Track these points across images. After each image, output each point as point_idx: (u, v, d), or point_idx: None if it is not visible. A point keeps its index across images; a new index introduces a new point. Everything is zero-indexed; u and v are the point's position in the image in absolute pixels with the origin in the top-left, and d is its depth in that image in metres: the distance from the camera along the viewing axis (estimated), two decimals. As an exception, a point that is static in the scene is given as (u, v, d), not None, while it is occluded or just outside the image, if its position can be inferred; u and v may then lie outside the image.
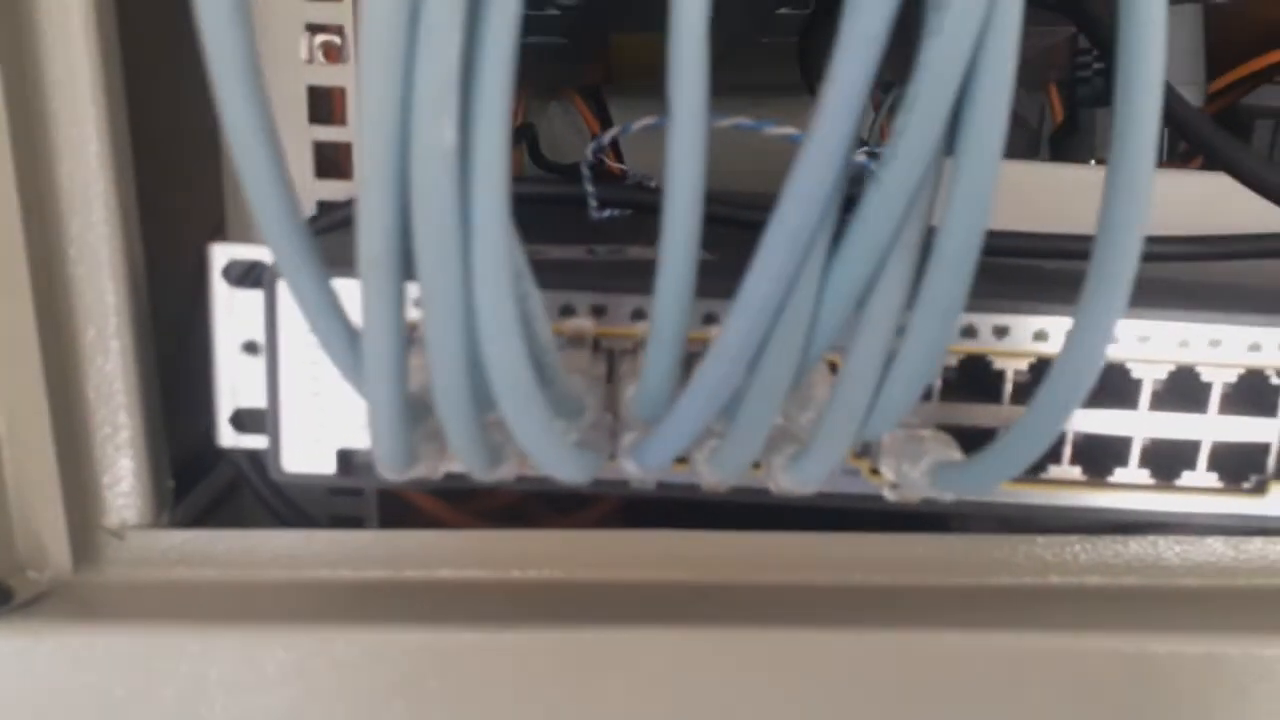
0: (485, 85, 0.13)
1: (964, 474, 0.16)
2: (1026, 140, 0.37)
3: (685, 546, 0.24)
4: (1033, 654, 0.22)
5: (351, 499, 0.30)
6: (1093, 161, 0.36)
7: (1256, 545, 0.23)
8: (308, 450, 0.21)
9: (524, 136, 0.55)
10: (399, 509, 0.31)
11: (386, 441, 0.15)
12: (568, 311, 0.20)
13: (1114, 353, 0.20)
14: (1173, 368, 0.20)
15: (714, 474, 0.17)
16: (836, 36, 0.13)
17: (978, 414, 0.20)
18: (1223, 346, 0.20)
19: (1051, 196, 0.36)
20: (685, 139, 0.14)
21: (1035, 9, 0.40)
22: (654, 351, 0.15)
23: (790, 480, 0.17)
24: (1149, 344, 0.20)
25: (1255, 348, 0.20)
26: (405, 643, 0.22)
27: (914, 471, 0.18)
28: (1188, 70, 0.35)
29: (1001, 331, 0.20)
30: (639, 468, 0.17)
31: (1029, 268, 0.26)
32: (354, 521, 0.30)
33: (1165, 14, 0.14)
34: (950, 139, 0.13)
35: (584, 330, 0.19)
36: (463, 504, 0.32)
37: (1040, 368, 0.20)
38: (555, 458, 0.15)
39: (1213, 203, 0.29)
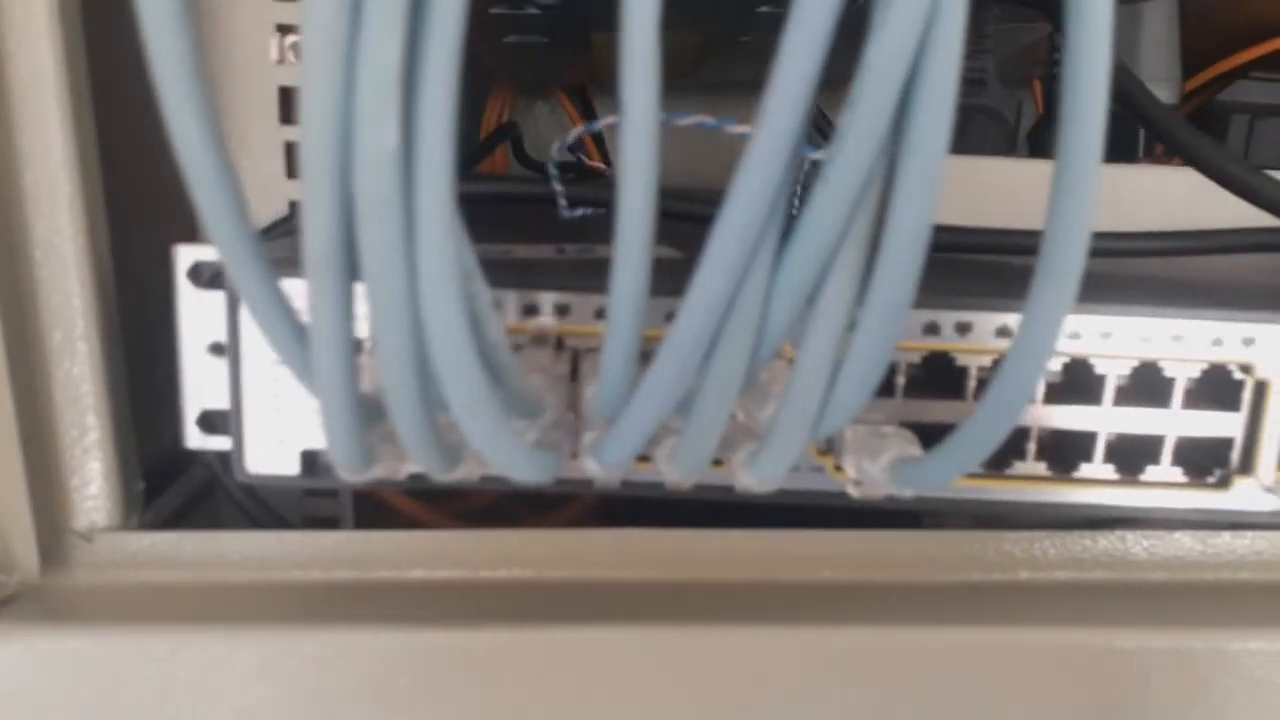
0: (429, 85, 0.13)
1: (922, 470, 0.16)
2: (1004, 137, 0.37)
3: (657, 545, 0.24)
4: (1002, 650, 0.22)
5: (326, 500, 0.30)
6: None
7: (1224, 540, 0.23)
8: (271, 451, 0.21)
9: (507, 135, 0.55)
10: (375, 510, 0.31)
11: (340, 443, 0.15)
12: (532, 310, 0.20)
13: (1078, 349, 0.20)
14: (1136, 363, 0.20)
15: (675, 472, 0.17)
16: (781, 35, 0.13)
17: (942, 410, 0.20)
18: (1185, 342, 0.20)
19: (1028, 193, 0.36)
20: (637, 137, 0.14)
21: (1013, 6, 0.40)
22: (610, 349, 0.15)
23: (750, 478, 0.17)
24: (1111, 340, 0.20)
25: (1218, 343, 0.20)
26: (375, 643, 0.22)
27: (874, 468, 0.18)
28: (1163, 67, 0.36)
29: (964, 328, 0.20)
30: (599, 466, 0.17)
31: (1001, 264, 0.26)
32: (328, 522, 0.30)
33: (1111, 10, 0.14)
34: (895, 136, 0.13)
35: (546, 329, 0.19)
36: (439, 504, 0.32)
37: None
38: (509, 458, 0.15)
39: (1192, 198, 0.30)
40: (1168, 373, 0.20)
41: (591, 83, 0.58)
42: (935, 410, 0.20)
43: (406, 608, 0.23)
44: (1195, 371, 0.20)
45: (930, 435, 0.19)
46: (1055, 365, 0.20)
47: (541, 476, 0.16)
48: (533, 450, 0.16)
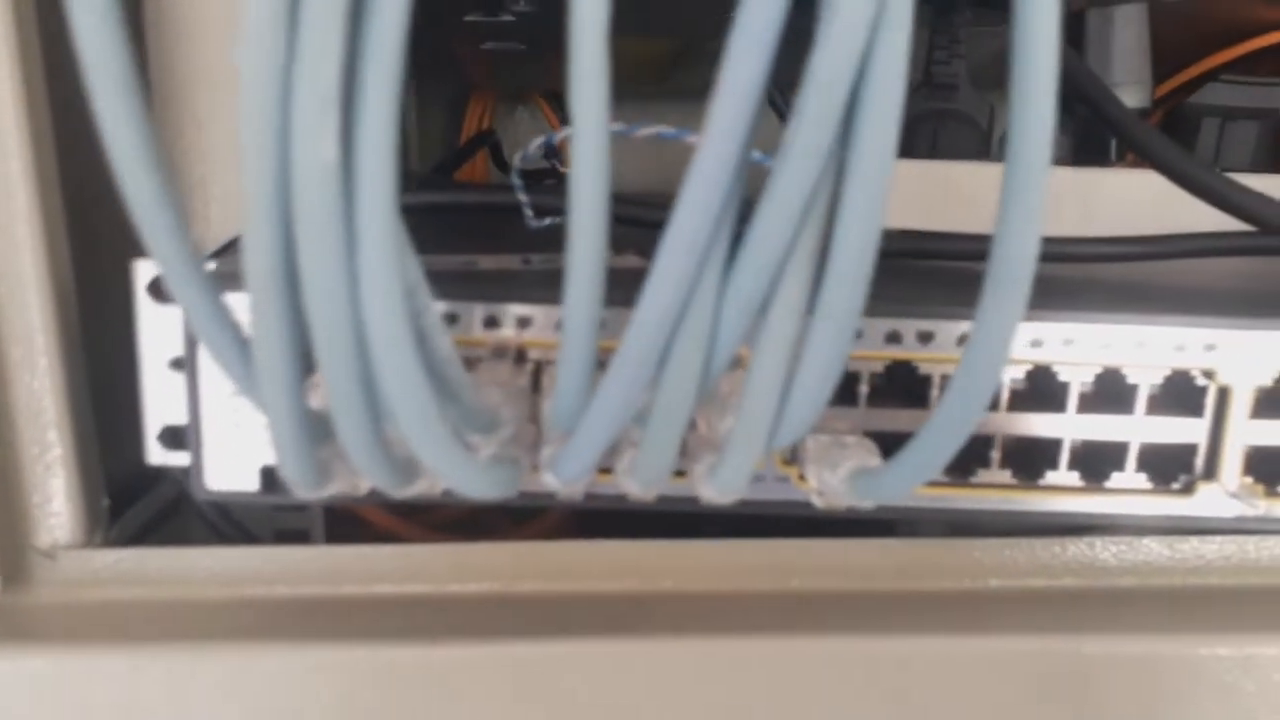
0: (369, 99, 0.13)
1: (879, 480, 0.16)
2: (977, 141, 0.37)
3: (626, 556, 0.24)
4: (972, 657, 0.22)
5: (296, 514, 0.30)
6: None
7: (1191, 545, 0.23)
8: (231, 467, 0.20)
9: (485, 142, 0.55)
10: (347, 524, 0.30)
11: (290, 459, 0.15)
12: (493, 323, 0.20)
13: (1040, 356, 0.20)
14: (1099, 370, 0.20)
15: (634, 485, 0.17)
16: (726, 44, 0.13)
17: (906, 419, 0.20)
18: (1147, 348, 0.20)
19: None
20: (587, 147, 0.14)
21: (987, 10, 0.40)
22: (565, 362, 0.15)
23: (711, 489, 0.17)
24: (1074, 347, 0.20)
25: (1180, 349, 0.20)
26: (341, 659, 0.22)
27: (833, 478, 0.18)
28: (1134, 70, 0.36)
29: (926, 337, 0.20)
30: (557, 480, 0.17)
31: (971, 270, 0.26)
32: (299, 537, 0.30)
33: (1057, 14, 0.14)
34: (841, 146, 0.13)
35: (506, 341, 0.19)
36: (414, 517, 0.32)
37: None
38: (461, 473, 0.15)
39: (1164, 202, 0.30)
40: (1131, 379, 0.20)
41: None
42: (900, 419, 0.20)
43: (374, 623, 0.23)
44: (1158, 378, 0.20)
45: (896, 444, 0.19)
46: (1019, 373, 0.20)
47: (498, 492, 0.16)
48: (488, 465, 0.16)
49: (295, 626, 0.23)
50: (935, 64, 0.37)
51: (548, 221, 0.26)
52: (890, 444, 0.19)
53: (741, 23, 0.13)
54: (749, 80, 0.13)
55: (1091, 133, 0.36)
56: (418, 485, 0.16)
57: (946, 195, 0.35)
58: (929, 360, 0.20)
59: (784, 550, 0.24)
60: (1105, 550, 0.23)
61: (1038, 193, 0.14)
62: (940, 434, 0.15)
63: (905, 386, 0.20)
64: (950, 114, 0.37)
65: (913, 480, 0.16)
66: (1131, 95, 0.35)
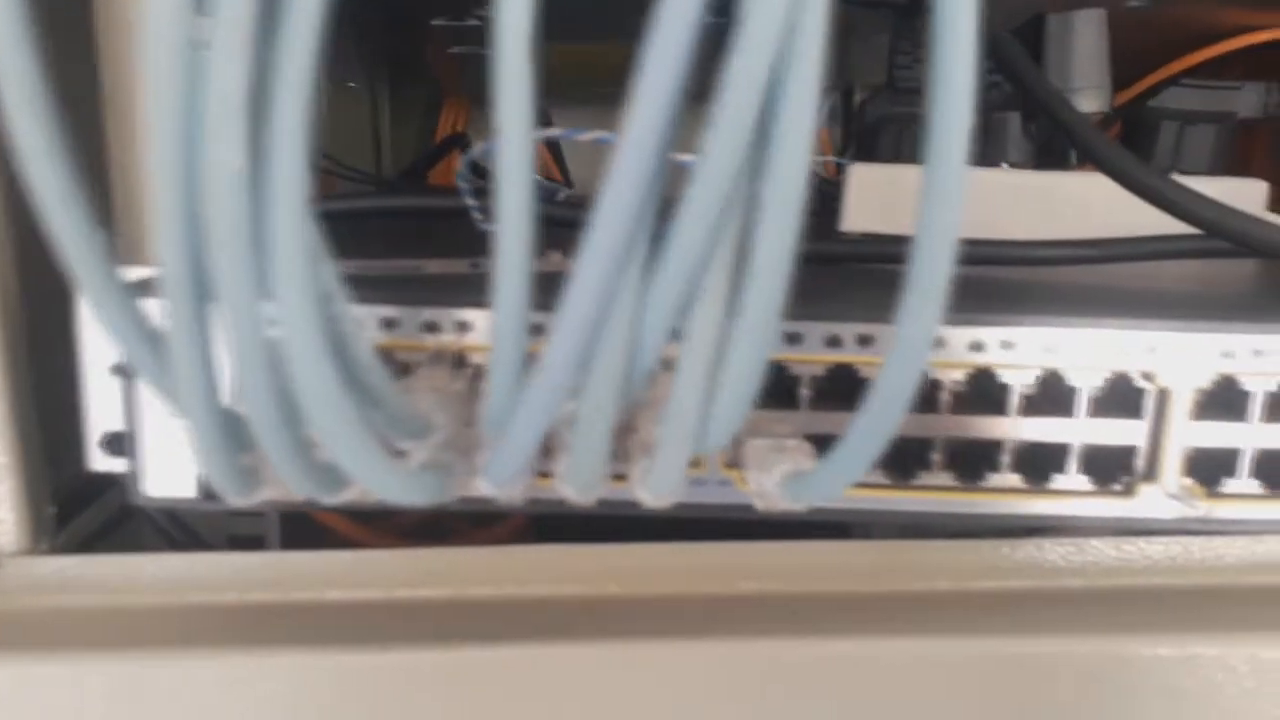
0: (281, 106, 0.13)
1: (809, 483, 0.16)
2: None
3: (578, 560, 0.24)
4: (920, 658, 0.22)
5: (251, 520, 0.30)
6: (1004, 165, 0.36)
7: (1137, 546, 0.23)
8: (169, 474, 0.20)
9: (455, 145, 0.55)
10: (303, 529, 0.30)
11: (211, 466, 0.15)
12: (433, 327, 0.20)
13: (982, 359, 0.20)
14: (1040, 373, 0.20)
15: (570, 489, 0.17)
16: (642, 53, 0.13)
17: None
18: (1088, 351, 0.20)
19: (966, 202, 0.36)
20: (511, 152, 0.14)
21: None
22: (495, 366, 0.15)
23: (645, 492, 0.17)
24: (1015, 350, 0.20)
25: (1120, 351, 0.20)
26: (290, 665, 0.21)
27: (768, 481, 0.18)
28: (1093, 75, 0.36)
29: (865, 340, 0.20)
30: (488, 485, 0.17)
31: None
32: (255, 542, 0.30)
33: (974, 17, 0.14)
34: (759, 150, 0.13)
35: (444, 346, 0.19)
36: (372, 522, 0.32)
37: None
38: (382, 479, 0.15)
39: (1121, 205, 0.30)
40: (1071, 382, 0.20)
41: (546, 94, 0.58)
42: (842, 422, 0.20)
43: (323, 629, 0.23)
44: (1099, 380, 0.20)
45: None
46: (960, 375, 0.20)
47: (427, 498, 0.16)
48: (415, 471, 0.16)
49: (243, 633, 0.23)
50: (898, 68, 0.37)
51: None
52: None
53: (658, 28, 0.13)
54: (664, 85, 0.13)
55: (1055, 137, 0.37)
56: (349, 492, 0.16)
57: (907, 199, 0.35)
58: (870, 364, 0.20)
59: (733, 553, 0.24)
60: (1053, 551, 0.23)
61: (954, 194, 0.14)
62: (864, 437, 0.15)
63: (846, 390, 0.20)
64: (913, 118, 0.37)
65: (841, 482, 0.16)
66: (1090, 100, 0.36)
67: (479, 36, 0.47)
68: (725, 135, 0.13)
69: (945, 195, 0.14)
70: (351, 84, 0.59)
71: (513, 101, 0.14)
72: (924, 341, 0.14)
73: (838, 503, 0.21)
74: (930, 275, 0.14)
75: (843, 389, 0.20)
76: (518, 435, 0.15)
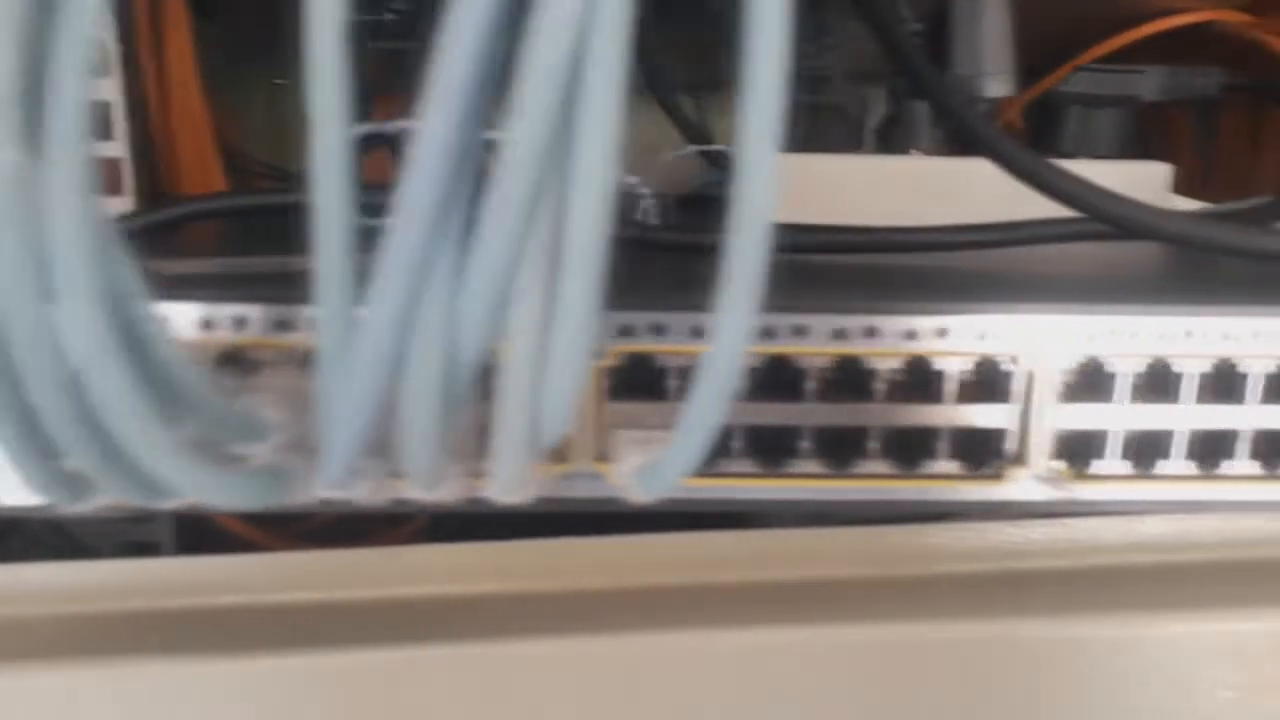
0: (62, 95, 0.12)
1: (652, 475, 0.16)
2: (850, 133, 0.37)
3: (476, 557, 0.24)
4: (802, 647, 0.22)
5: (145, 526, 0.29)
6: (913, 152, 0.37)
7: (1014, 529, 0.23)
8: (16, 481, 0.20)
9: (382, 141, 0.54)
10: (202, 533, 0.30)
11: (24, 474, 0.14)
12: (284, 325, 0.19)
13: (847, 348, 0.20)
14: (906, 359, 0.20)
15: (414, 490, 0.17)
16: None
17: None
18: (952, 336, 0.20)
19: (873, 189, 0.36)
20: (325, 145, 0.14)
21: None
22: (320, 364, 0.15)
23: (494, 491, 0.17)
24: (879, 338, 0.20)
25: (982, 336, 0.20)
26: (166, 674, 0.21)
27: (624, 473, 0.17)
28: (998, 60, 0.36)
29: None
30: (324, 485, 0.16)
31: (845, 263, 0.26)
32: (150, 549, 0.29)
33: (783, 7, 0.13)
34: (563, 138, 0.13)
35: (293, 344, 0.19)
36: (278, 525, 0.32)
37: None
38: (200, 484, 0.14)
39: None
40: (938, 366, 0.20)
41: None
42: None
43: (211, 635, 0.22)
44: (967, 365, 0.20)
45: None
46: (826, 364, 0.20)
47: (261, 501, 0.16)
48: (246, 475, 0.16)
49: (129, 641, 0.22)
50: (804, 57, 0.37)
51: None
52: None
53: (452, 17, 0.13)
54: (460, 73, 0.13)
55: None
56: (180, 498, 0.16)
57: (818, 188, 0.35)
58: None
59: (631, 546, 0.23)
60: (934, 536, 0.23)
61: (765, 180, 0.14)
62: (693, 426, 0.15)
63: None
64: (822, 106, 0.37)
65: (676, 473, 0.16)
66: (996, 85, 0.36)
67: (393, 30, 0.47)
68: (525, 136, 0.13)
69: (755, 185, 0.13)
70: (279, 80, 0.59)
71: (325, 94, 0.14)
72: (741, 330, 0.14)
73: (706, 494, 0.21)
74: (744, 264, 0.14)
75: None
76: (339, 433, 0.15)
